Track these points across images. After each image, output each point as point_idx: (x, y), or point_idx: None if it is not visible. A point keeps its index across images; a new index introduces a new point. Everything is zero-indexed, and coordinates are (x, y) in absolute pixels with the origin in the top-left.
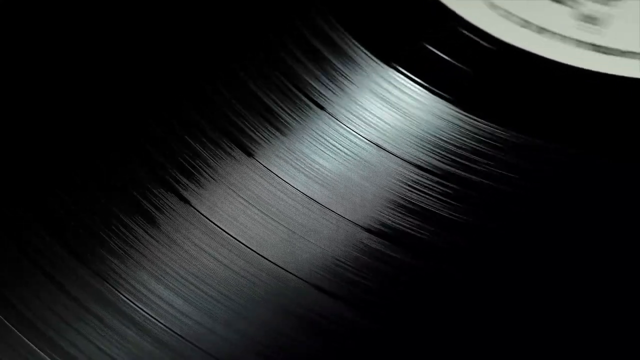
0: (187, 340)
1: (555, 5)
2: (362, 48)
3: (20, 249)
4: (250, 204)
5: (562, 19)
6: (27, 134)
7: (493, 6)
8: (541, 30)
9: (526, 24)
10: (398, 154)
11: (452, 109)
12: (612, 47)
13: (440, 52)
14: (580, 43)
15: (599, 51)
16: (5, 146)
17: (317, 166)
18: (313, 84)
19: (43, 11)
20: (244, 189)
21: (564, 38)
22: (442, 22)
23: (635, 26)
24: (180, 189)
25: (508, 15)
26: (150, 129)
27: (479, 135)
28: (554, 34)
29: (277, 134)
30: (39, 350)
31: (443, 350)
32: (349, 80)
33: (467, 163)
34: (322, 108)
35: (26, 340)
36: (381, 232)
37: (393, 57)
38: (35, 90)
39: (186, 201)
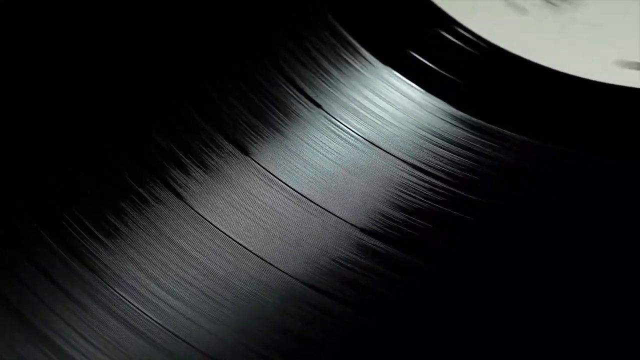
0: (180, 338)
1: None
2: (359, 46)
3: (15, 245)
4: (245, 202)
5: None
6: (25, 132)
7: (490, 10)
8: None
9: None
10: (395, 153)
11: (450, 109)
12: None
13: (437, 52)
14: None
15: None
16: (4, 146)
17: (313, 165)
18: (310, 81)
19: (43, 11)
20: (240, 187)
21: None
22: (440, 23)
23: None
24: (175, 186)
25: (505, 19)
26: (145, 126)
27: (477, 135)
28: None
29: (274, 132)
30: (33, 347)
31: (441, 350)
32: (345, 78)
33: (464, 163)
34: (318, 106)
35: (20, 336)
36: (377, 232)
37: (390, 55)
38: (34, 89)
39: (181, 198)
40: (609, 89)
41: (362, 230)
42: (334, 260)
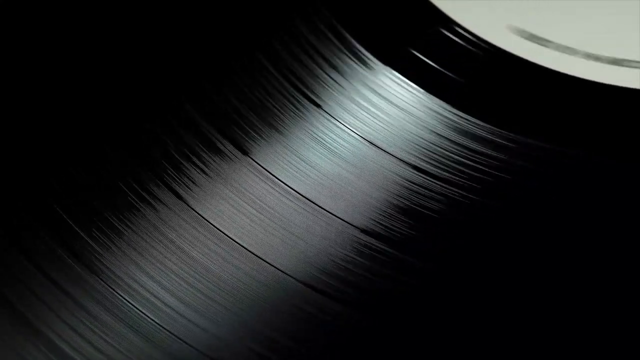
0: (179, 338)
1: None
2: (358, 46)
3: (13, 243)
4: (244, 202)
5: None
6: (25, 132)
7: (490, 11)
8: (532, 37)
9: (529, 35)
10: (394, 154)
11: (449, 109)
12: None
13: (437, 51)
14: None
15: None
16: (4, 146)
17: (312, 165)
18: (309, 81)
19: (43, 11)
20: (239, 187)
21: (556, 45)
22: (439, 23)
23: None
24: (174, 186)
25: (506, 22)
26: (145, 125)
27: (476, 135)
28: (546, 41)
29: (273, 132)
30: (32, 347)
31: (441, 350)
32: (345, 78)
33: (464, 163)
34: (318, 106)
35: (20, 337)
36: (377, 231)
37: (390, 55)
38: (34, 89)
39: (180, 198)
40: (609, 90)
41: (362, 230)
42: (333, 260)
